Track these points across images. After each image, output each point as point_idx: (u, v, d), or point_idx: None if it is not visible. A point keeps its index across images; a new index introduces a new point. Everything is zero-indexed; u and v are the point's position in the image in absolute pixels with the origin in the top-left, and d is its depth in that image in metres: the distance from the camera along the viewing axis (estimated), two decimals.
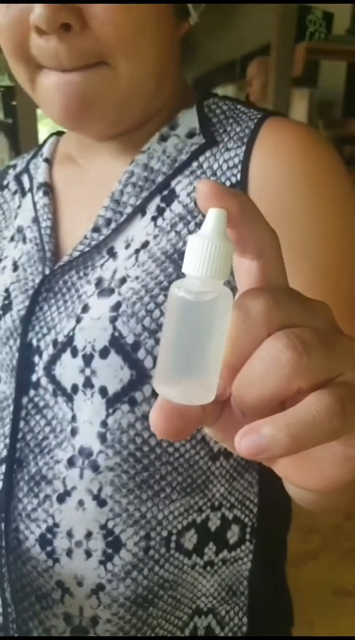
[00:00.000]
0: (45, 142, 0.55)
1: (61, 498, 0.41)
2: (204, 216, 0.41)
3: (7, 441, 0.44)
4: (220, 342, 0.19)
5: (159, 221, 0.41)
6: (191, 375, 0.19)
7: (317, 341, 0.18)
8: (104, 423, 0.39)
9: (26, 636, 0.45)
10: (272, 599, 0.50)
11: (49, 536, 0.42)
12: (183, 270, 0.19)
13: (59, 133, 0.55)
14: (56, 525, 0.42)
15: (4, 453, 0.44)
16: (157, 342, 0.38)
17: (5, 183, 0.56)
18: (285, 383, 0.18)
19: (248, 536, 0.45)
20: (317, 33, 1.82)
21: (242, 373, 0.19)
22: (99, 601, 0.42)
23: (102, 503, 0.41)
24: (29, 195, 0.51)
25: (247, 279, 0.21)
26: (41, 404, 0.43)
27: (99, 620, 0.43)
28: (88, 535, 0.41)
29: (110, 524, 0.41)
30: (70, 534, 0.41)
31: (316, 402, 0.18)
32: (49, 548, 0.42)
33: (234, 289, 0.21)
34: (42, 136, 1.69)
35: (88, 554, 0.41)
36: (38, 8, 0.34)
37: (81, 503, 0.41)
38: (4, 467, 0.44)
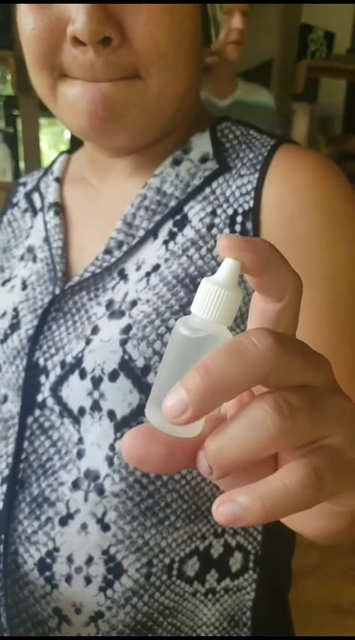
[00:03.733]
0: (55, 160, 0.55)
1: (64, 521, 0.41)
2: (215, 241, 0.41)
3: (10, 460, 0.43)
4: None
5: (171, 245, 0.41)
6: None
7: (305, 404, 0.19)
8: (112, 447, 0.39)
9: (26, 636, 0.43)
10: (275, 629, 0.49)
11: (49, 560, 0.41)
12: (191, 309, 0.20)
13: (69, 152, 0.55)
14: (56, 549, 0.41)
15: (7, 472, 0.43)
16: None
17: (15, 201, 0.56)
18: (267, 444, 0.18)
19: (251, 565, 0.45)
20: (318, 52, 1.85)
21: (224, 429, 0.19)
22: (98, 629, 0.41)
23: (105, 527, 0.40)
24: (40, 214, 0.51)
25: (261, 319, 0.21)
26: (46, 424, 0.42)
27: None
28: (89, 561, 0.40)
29: (112, 550, 0.40)
30: (70, 559, 0.41)
31: (290, 473, 0.18)
32: (47, 573, 0.41)
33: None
34: (43, 145, 1.69)
35: (88, 580, 0.41)
36: (81, 20, 0.34)
37: (84, 526, 0.40)
38: (5, 487, 0.43)
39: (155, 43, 0.36)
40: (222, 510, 0.19)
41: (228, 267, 0.20)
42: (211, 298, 0.19)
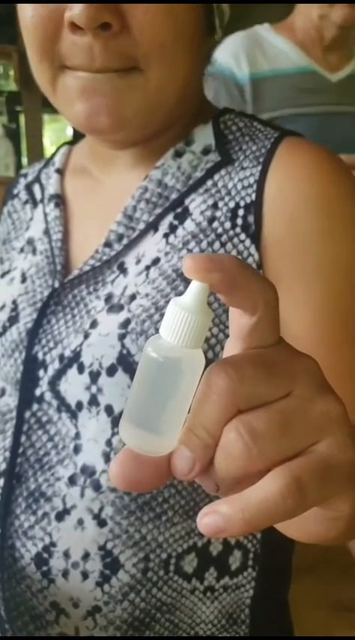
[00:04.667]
0: (56, 151, 0.54)
1: (60, 516, 0.40)
2: (216, 235, 0.40)
3: (7, 454, 0.43)
4: (183, 401, 0.20)
5: (171, 238, 0.41)
6: (146, 425, 0.20)
7: (272, 426, 0.19)
8: (109, 442, 0.38)
9: (26, 636, 0.43)
10: (273, 628, 0.49)
11: (46, 555, 0.41)
12: (160, 331, 0.20)
13: (71, 143, 0.55)
14: (53, 544, 0.41)
15: (4, 466, 0.43)
16: None
17: (16, 192, 0.55)
18: (242, 471, 0.19)
19: (250, 562, 0.44)
20: None
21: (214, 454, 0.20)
22: (96, 623, 0.41)
23: (102, 523, 0.40)
24: (40, 206, 0.50)
25: (237, 331, 0.21)
26: (44, 419, 0.42)
27: None
28: (86, 556, 0.40)
29: (109, 545, 0.40)
30: (66, 554, 0.40)
31: (269, 484, 0.19)
32: (44, 568, 0.41)
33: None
34: (46, 141, 1.69)
35: (85, 575, 0.40)
36: (78, 6, 0.33)
37: (80, 522, 0.40)
38: (2, 481, 0.43)
39: (154, 33, 0.35)
40: (206, 521, 0.19)
41: (195, 289, 0.19)
42: (178, 323, 0.19)
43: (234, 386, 0.19)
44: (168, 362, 0.20)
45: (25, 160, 2.14)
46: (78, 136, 0.54)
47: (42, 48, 0.37)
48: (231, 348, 0.21)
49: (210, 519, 0.19)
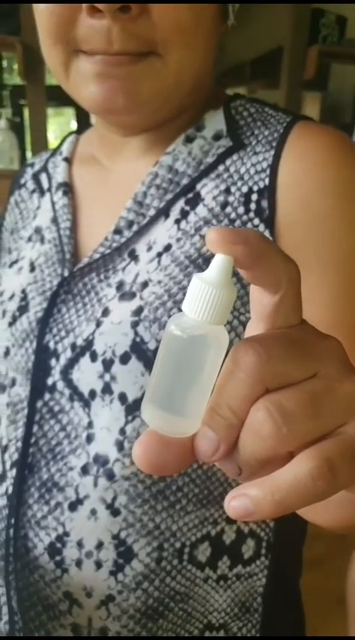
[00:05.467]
0: (63, 140, 0.54)
1: (73, 506, 0.40)
2: (230, 220, 0.40)
3: (20, 444, 0.43)
4: (207, 381, 0.20)
5: (183, 224, 0.40)
6: (169, 407, 0.20)
7: (302, 406, 0.18)
8: (122, 431, 0.38)
9: (25, 636, 0.43)
10: (286, 616, 0.49)
11: (59, 545, 0.41)
12: (182, 308, 0.19)
13: (77, 132, 0.54)
14: (66, 534, 0.41)
15: (16, 456, 0.43)
16: None
17: (23, 181, 0.55)
18: (270, 451, 0.19)
19: (263, 551, 0.44)
20: (329, 36, 1.81)
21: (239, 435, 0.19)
22: (109, 612, 0.41)
23: (115, 512, 0.39)
24: (48, 195, 0.50)
25: (259, 311, 0.20)
26: (56, 408, 0.41)
27: (108, 631, 0.42)
28: (99, 545, 0.40)
29: (122, 535, 0.40)
30: (80, 544, 0.40)
31: (300, 466, 0.18)
32: (57, 558, 0.41)
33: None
34: (49, 135, 1.68)
35: (98, 565, 0.40)
36: None
37: (93, 512, 0.40)
38: (14, 471, 0.43)
39: (175, 17, 0.35)
40: (234, 505, 0.19)
41: (219, 263, 0.19)
42: (203, 298, 0.19)
43: (262, 364, 0.18)
44: (192, 339, 0.19)
45: (29, 154, 2.13)
46: (82, 129, 0.54)
47: (57, 31, 0.36)
48: (253, 330, 0.21)
49: (239, 502, 0.19)
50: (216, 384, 0.20)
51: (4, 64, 2.70)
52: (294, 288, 0.20)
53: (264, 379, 0.18)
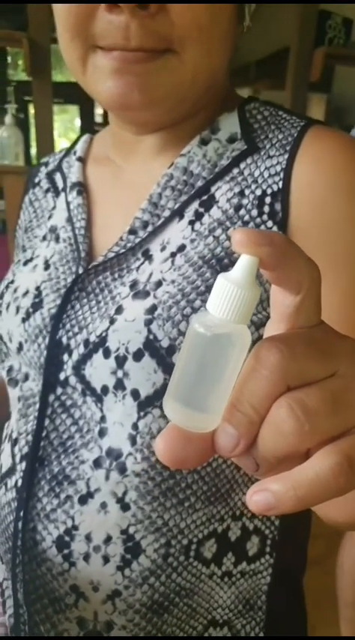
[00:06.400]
0: (77, 140, 0.54)
1: (83, 500, 0.41)
2: (243, 223, 0.40)
3: (30, 438, 0.43)
4: (229, 378, 0.20)
5: (197, 225, 0.41)
6: (192, 403, 0.20)
7: (323, 403, 0.19)
8: (135, 426, 0.38)
9: (24, 636, 0.44)
10: (289, 614, 0.49)
11: (67, 538, 0.41)
12: (207, 306, 0.20)
13: (81, 130, 0.55)
14: (75, 528, 0.41)
15: (26, 450, 0.44)
16: None
17: (37, 180, 0.55)
18: (291, 448, 0.19)
19: (268, 549, 0.45)
20: (336, 39, 1.81)
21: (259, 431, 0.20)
22: (115, 607, 0.42)
23: (125, 507, 0.40)
24: (63, 195, 0.50)
25: (281, 311, 0.21)
26: (68, 403, 0.42)
27: (114, 626, 0.42)
28: (108, 540, 0.40)
29: (131, 530, 0.40)
30: (88, 538, 0.41)
31: (321, 462, 0.19)
32: (65, 551, 0.42)
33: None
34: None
35: (106, 559, 0.41)
36: None
37: (103, 505, 0.40)
38: (24, 464, 0.43)
39: (193, 15, 0.35)
40: (256, 499, 0.19)
41: (245, 263, 0.19)
42: (227, 298, 0.19)
43: (285, 362, 0.19)
44: (216, 338, 0.19)
45: (33, 151, 2.13)
46: (86, 127, 0.54)
47: (75, 27, 0.37)
48: (274, 330, 0.21)
49: (261, 497, 0.19)
50: (237, 381, 0.20)
51: (9, 60, 2.70)
52: (315, 289, 0.20)
53: (286, 377, 0.19)
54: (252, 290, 0.19)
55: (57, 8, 0.38)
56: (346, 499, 0.20)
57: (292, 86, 1.75)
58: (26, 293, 0.46)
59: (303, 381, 0.19)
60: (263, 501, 0.19)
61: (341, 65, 2.16)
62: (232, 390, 0.20)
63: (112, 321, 0.39)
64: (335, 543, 1.18)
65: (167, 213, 0.42)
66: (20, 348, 0.45)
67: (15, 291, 0.48)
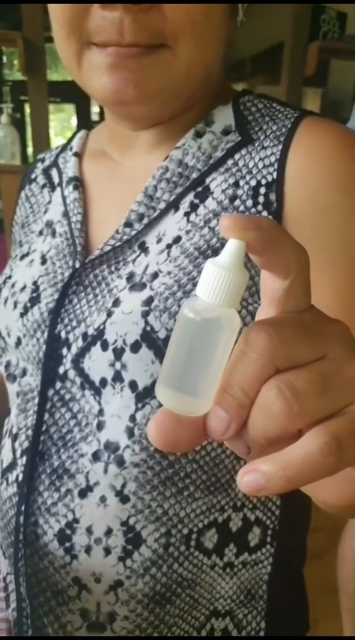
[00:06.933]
0: (73, 136, 0.54)
1: (83, 493, 0.41)
2: (238, 213, 0.40)
3: (30, 432, 0.44)
4: (219, 362, 0.20)
5: (192, 217, 0.41)
6: (183, 387, 0.20)
7: (312, 385, 0.19)
8: (133, 418, 0.39)
9: (24, 636, 0.44)
10: (290, 603, 0.50)
11: (68, 531, 0.42)
12: (196, 291, 0.20)
13: (77, 128, 0.55)
14: (76, 521, 0.41)
15: (26, 444, 0.44)
16: None
17: (33, 176, 0.56)
18: (281, 429, 0.19)
19: (269, 539, 0.45)
20: (330, 33, 1.81)
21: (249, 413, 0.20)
22: (117, 597, 0.42)
23: (124, 499, 0.40)
24: (59, 189, 0.51)
25: (270, 296, 0.21)
26: (67, 397, 0.42)
27: (116, 616, 0.42)
28: (108, 532, 0.41)
29: (131, 521, 0.41)
30: (89, 531, 0.41)
31: (310, 442, 0.19)
32: (67, 544, 0.42)
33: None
34: (50, 131, 1.68)
35: (107, 551, 0.41)
36: None
37: (103, 499, 0.40)
38: (25, 459, 0.44)
39: (188, 10, 0.35)
40: (247, 480, 0.19)
41: (232, 248, 0.19)
42: (216, 282, 0.19)
43: (274, 345, 0.19)
44: (206, 321, 0.20)
45: (29, 150, 2.13)
46: (83, 125, 0.54)
47: (70, 24, 0.37)
48: (264, 315, 0.22)
49: (251, 477, 0.19)
50: (227, 365, 0.20)
51: (4, 59, 2.70)
52: (304, 273, 0.20)
53: (275, 360, 0.19)
54: (240, 274, 0.19)
55: (52, 6, 0.38)
56: (336, 480, 0.20)
57: (287, 81, 1.75)
58: (24, 288, 0.47)
59: (292, 363, 0.19)
60: (253, 482, 0.19)
61: (336, 59, 2.16)
62: (223, 373, 0.20)
63: (110, 314, 0.40)
64: (336, 536, 1.19)
65: (162, 205, 0.42)
66: (19, 342, 0.45)
67: (12, 286, 0.48)
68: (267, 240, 0.19)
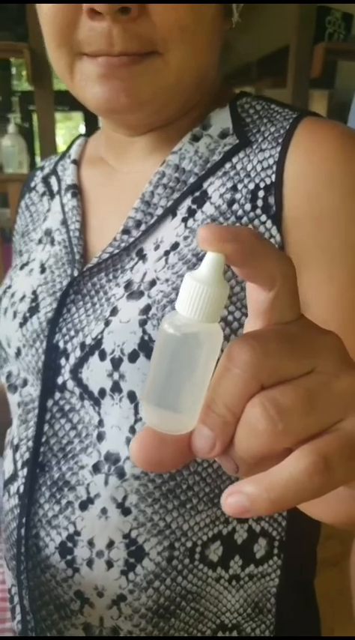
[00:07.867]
0: (72, 143, 0.54)
1: (84, 505, 0.40)
2: (237, 218, 0.40)
3: (31, 444, 0.43)
4: (202, 378, 0.19)
5: (190, 222, 0.40)
6: (164, 404, 0.20)
7: (298, 402, 0.18)
8: (132, 429, 0.38)
9: (24, 636, 0.44)
10: (300, 617, 0.48)
11: (70, 544, 0.41)
12: (176, 306, 0.19)
13: (87, 135, 0.55)
14: (77, 533, 0.41)
15: (27, 456, 0.43)
16: None
17: (33, 185, 0.56)
18: (266, 448, 0.18)
19: (276, 551, 0.44)
20: (336, 34, 1.79)
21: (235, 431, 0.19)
22: (120, 612, 0.41)
23: (126, 512, 0.39)
24: (57, 197, 0.51)
25: (255, 308, 0.20)
26: (67, 407, 0.42)
27: (120, 631, 0.42)
28: (110, 545, 0.40)
29: (133, 534, 0.40)
30: (91, 543, 0.40)
31: (295, 462, 0.18)
32: (68, 557, 0.41)
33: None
34: (58, 139, 1.69)
35: (110, 564, 0.40)
36: None
37: (104, 511, 0.40)
38: (26, 470, 0.43)
39: (175, 16, 0.35)
40: (231, 501, 0.19)
41: (210, 261, 0.19)
42: (194, 296, 0.18)
43: (257, 360, 0.18)
44: (185, 337, 0.19)
45: (38, 159, 2.15)
46: (91, 132, 0.54)
47: (60, 35, 0.37)
48: (250, 327, 0.21)
49: (235, 499, 0.18)
50: (211, 380, 0.19)
51: (13, 70, 2.74)
52: (289, 284, 0.19)
53: (259, 375, 0.18)
54: (219, 287, 0.19)
55: (42, 17, 0.38)
56: (327, 499, 0.19)
57: (293, 83, 1.74)
58: (23, 297, 0.46)
59: (278, 378, 0.19)
60: (237, 504, 0.18)
61: (343, 60, 2.14)
62: (207, 389, 0.19)
63: (107, 323, 0.39)
64: (350, 544, 1.16)
65: (160, 211, 0.42)
66: (19, 353, 0.45)
67: (12, 295, 0.48)
68: (248, 251, 0.18)
